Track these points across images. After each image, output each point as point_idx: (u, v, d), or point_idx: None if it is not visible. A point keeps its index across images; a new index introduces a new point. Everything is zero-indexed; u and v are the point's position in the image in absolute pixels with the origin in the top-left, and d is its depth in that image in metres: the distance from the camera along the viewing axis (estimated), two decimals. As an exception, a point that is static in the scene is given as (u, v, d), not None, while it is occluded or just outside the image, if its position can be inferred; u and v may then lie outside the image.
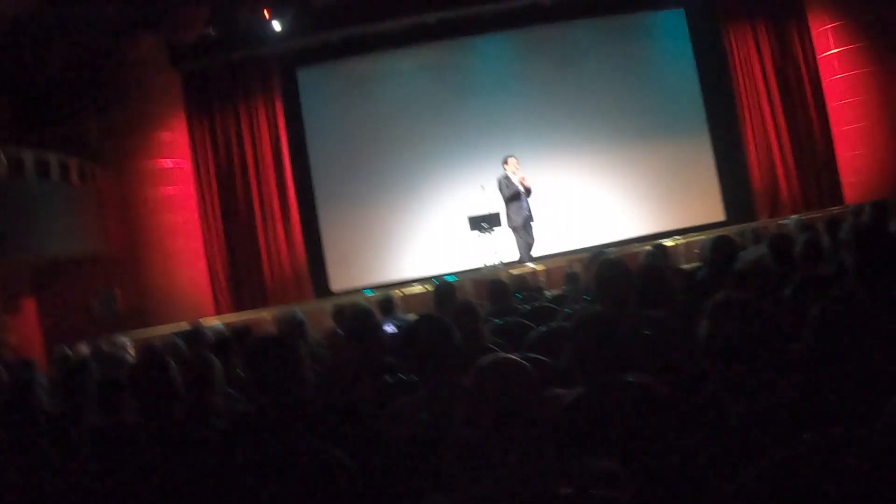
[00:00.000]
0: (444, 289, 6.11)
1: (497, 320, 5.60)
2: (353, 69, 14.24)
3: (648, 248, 8.46)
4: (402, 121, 14.00)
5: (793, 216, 10.75)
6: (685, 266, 8.56)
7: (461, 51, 14.31)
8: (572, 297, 6.66)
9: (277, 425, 3.07)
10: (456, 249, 12.92)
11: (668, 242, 10.31)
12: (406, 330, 3.73)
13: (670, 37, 14.38)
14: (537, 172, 12.05)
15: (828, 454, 1.97)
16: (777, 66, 13.90)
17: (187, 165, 13.25)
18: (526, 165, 11.93)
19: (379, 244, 13.87)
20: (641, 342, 3.55)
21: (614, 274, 4.24)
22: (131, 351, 7.54)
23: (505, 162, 11.84)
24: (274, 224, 13.64)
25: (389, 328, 5.96)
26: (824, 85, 13.41)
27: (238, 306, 13.37)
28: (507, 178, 11.76)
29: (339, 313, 6.82)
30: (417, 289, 11.15)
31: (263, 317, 11.01)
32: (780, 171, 13.84)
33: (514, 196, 11.70)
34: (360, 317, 4.54)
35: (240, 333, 6.00)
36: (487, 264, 11.81)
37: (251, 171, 13.68)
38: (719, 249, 5.23)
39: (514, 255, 12.07)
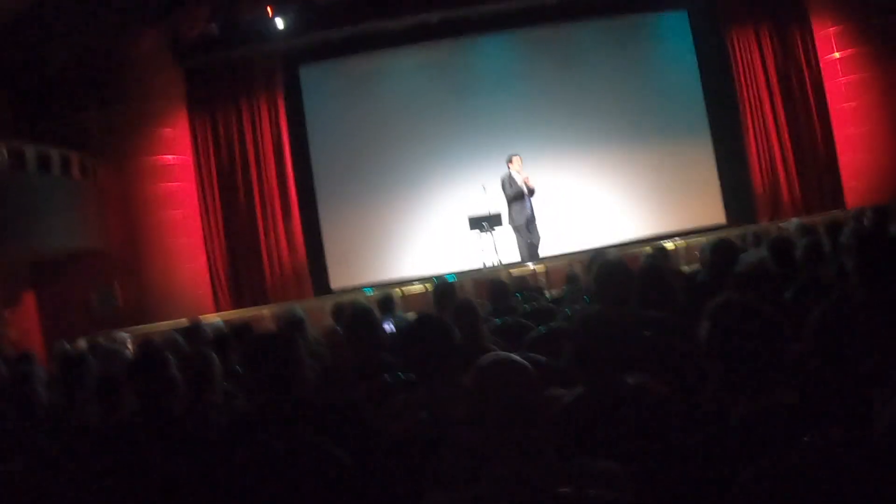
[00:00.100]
0: (443, 288, 6.11)
1: (497, 320, 5.60)
2: (356, 67, 14.23)
3: (649, 249, 8.47)
4: (403, 119, 13.99)
5: (793, 219, 10.74)
6: (685, 268, 8.57)
7: (463, 50, 14.31)
8: (572, 298, 6.66)
9: (276, 423, 3.07)
10: (456, 249, 12.91)
11: (668, 244, 10.32)
12: (405, 329, 3.73)
13: (673, 38, 14.37)
14: (538, 172, 12.04)
15: (827, 456, 1.97)
16: (779, 69, 13.88)
17: (188, 162, 13.25)
18: (527, 165, 11.92)
19: (379, 242, 13.87)
20: (641, 343, 3.54)
21: (614, 275, 4.24)
22: (130, 347, 7.55)
23: (509, 161, 11.82)
24: (274, 221, 13.64)
25: (389, 327, 5.96)
26: (826, 88, 13.42)
27: (238, 303, 13.36)
28: (510, 177, 11.75)
29: (339, 311, 6.82)
30: (417, 288, 11.14)
31: (263, 314, 11.00)
32: (781, 173, 13.83)
33: (517, 196, 11.69)
34: (360, 315, 4.54)
35: (239, 330, 5.99)
36: (487, 264, 11.80)
37: (252, 169, 13.67)
38: (720, 251, 5.22)
39: (515, 256, 12.06)
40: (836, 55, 13.02)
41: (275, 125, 13.76)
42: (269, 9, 12.59)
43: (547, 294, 8.33)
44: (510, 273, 10.13)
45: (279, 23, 12.65)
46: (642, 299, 4.22)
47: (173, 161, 12.87)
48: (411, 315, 6.96)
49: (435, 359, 3.25)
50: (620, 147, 13.82)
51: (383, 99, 14.08)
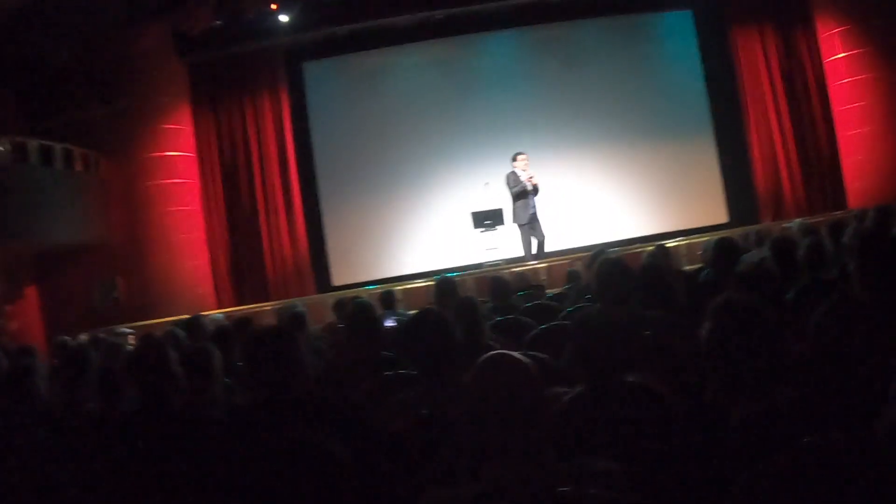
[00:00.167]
0: (445, 285, 6.10)
1: (498, 317, 5.60)
2: (360, 64, 14.23)
3: (650, 248, 8.46)
4: (407, 116, 13.99)
5: (796, 220, 10.73)
6: (687, 267, 8.56)
7: (467, 47, 14.30)
8: (573, 296, 6.65)
9: (275, 417, 3.07)
10: (458, 246, 12.91)
11: (670, 243, 10.31)
12: (406, 325, 3.72)
13: (677, 38, 14.36)
14: (541, 170, 12.01)
15: (828, 457, 1.97)
16: (783, 70, 13.87)
17: (191, 157, 13.25)
18: (530, 163, 11.89)
19: (382, 239, 13.86)
20: (642, 342, 3.54)
21: (615, 273, 4.24)
22: (132, 341, 7.55)
23: (514, 158, 11.79)
24: (277, 217, 13.64)
25: (390, 323, 5.96)
26: (830, 89, 13.39)
27: (239, 299, 13.36)
28: (514, 174, 11.73)
29: (340, 307, 6.83)
30: (419, 284, 11.14)
31: (265, 310, 11.00)
32: (783, 174, 13.81)
33: (521, 193, 11.66)
34: (361, 311, 4.54)
35: (240, 325, 5.99)
36: (489, 261, 11.80)
37: (255, 164, 13.67)
38: (722, 251, 5.22)
39: (517, 253, 12.05)
40: (840, 56, 13.00)
41: (278, 121, 13.77)
42: (273, 4, 12.58)
43: (548, 292, 8.32)
44: (511, 270, 10.13)
45: (283, 18, 12.65)
46: (643, 298, 4.22)
47: (176, 156, 12.87)
48: (413, 312, 6.96)
49: (435, 356, 3.25)
50: (623, 146, 13.81)
51: (387, 96, 14.07)
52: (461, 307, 4.26)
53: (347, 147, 13.96)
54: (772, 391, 2.38)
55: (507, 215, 11.91)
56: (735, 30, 13.99)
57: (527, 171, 11.72)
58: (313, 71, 14.29)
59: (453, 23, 13.60)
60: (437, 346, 3.26)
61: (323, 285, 13.67)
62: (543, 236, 11.88)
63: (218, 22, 12.65)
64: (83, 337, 8.15)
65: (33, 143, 10.85)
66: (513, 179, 11.72)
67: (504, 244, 11.98)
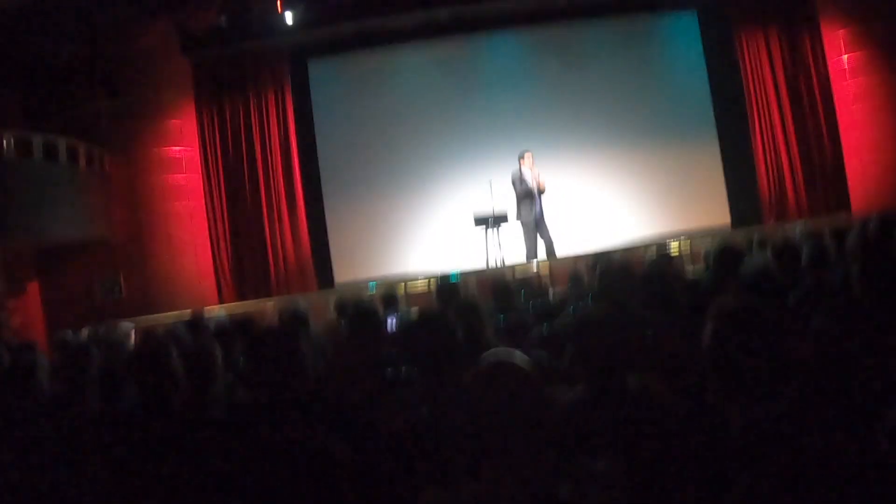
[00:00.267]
0: (447, 285, 6.10)
1: (499, 318, 5.59)
2: (364, 62, 14.23)
3: (653, 250, 8.46)
4: (411, 115, 13.99)
5: (799, 222, 10.71)
6: (689, 269, 8.55)
7: (472, 47, 14.29)
8: (575, 298, 6.64)
9: (276, 416, 3.07)
10: (461, 246, 12.90)
11: (673, 245, 10.30)
12: (408, 324, 3.72)
13: (682, 39, 14.33)
14: (543, 171, 11.99)
15: (828, 462, 1.97)
16: (788, 72, 13.84)
17: (195, 154, 13.26)
18: (536, 163, 11.87)
19: (384, 238, 13.86)
20: (643, 344, 3.54)
21: (618, 275, 4.24)
22: (134, 338, 7.55)
23: (521, 158, 11.77)
24: (280, 215, 13.65)
25: (391, 322, 5.96)
26: (834, 91, 13.37)
27: (242, 296, 13.37)
28: (520, 174, 11.71)
29: (342, 306, 6.82)
30: (421, 284, 11.13)
31: (267, 307, 11.01)
32: (787, 176, 13.79)
33: (527, 193, 11.63)
34: (363, 310, 4.54)
35: (242, 323, 5.99)
36: (491, 262, 11.79)
37: (259, 162, 13.68)
38: (724, 254, 5.20)
39: (520, 254, 12.03)
40: (845, 58, 12.98)
41: (282, 119, 13.77)
42: (278, 2, 12.59)
43: (550, 293, 8.32)
44: (514, 271, 10.12)
45: (288, 17, 12.65)
46: (645, 300, 4.22)
47: (180, 153, 12.89)
48: (415, 311, 6.95)
49: (437, 356, 3.25)
50: (627, 147, 13.79)
51: (391, 95, 14.07)
52: (462, 307, 4.26)
53: (351, 145, 13.96)
54: (773, 394, 2.38)
55: (511, 216, 11.89)
56: (740, 31, 13.97)
57: (533, 170, 11.70)
58: (317, 69, 14.29)
59: (458, 22, 13.60)
60: (438, 346, 3.26)
61: (325, 283, 13.66)
62: (551, 240, 11.84)
63: (222, 19, 12.66)
64: (85, 332, 8.15)
65: (37, 139, 10.86)
66: (518, 179, 11.69)
67: (506, 244, 11.97)
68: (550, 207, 12.11)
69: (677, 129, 13.90)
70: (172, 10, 12.54)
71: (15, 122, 11.48)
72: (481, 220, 11.81)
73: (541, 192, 11.69)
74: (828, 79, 13.47)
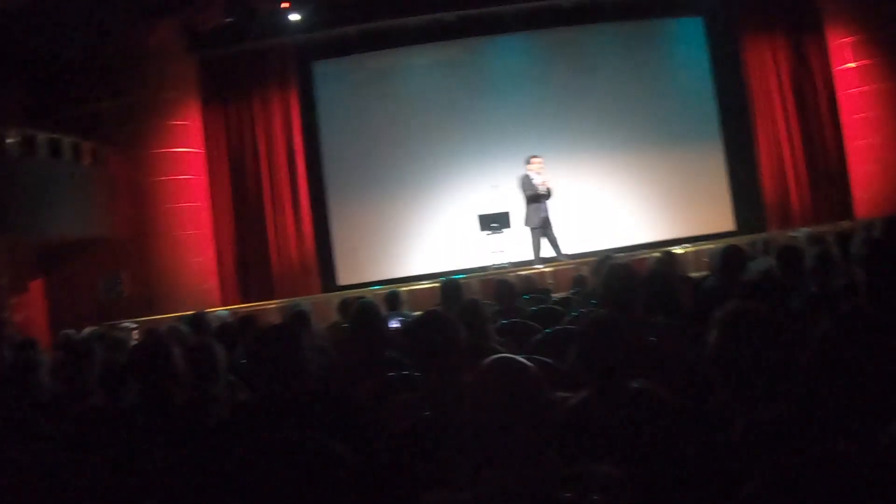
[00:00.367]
0: (450, 286, 6.10)
1: (502, 321, 5.59)
2: (370, 64, 14.24)
3: (657, 254, 8.45)
4: (416, 117, 14.00)
5: (803, 229, 10.70)
6: (693, 274, 8.54)
7: (478, 50, 14.30)
8: (579, 301, 6.64)
9: (277, 416, 3.06)
10: (465, 248, 12.90)
11: (677, 250, 10.28)
12: (411, 326, 3.71)
13: (687, 44, 14.34)
14: (548, 174, 12.00)
15: (832, 469, 1.95)
16: (793, 78, 13.86)
17: (200, 154, 13.26)
18: (544, 166, 11.87)
19: (388, 240, 13.86)
20: (647, 348, 3.53)
21: (621, 278, 4.22)
22: (136, 336, 7.56)
23: (528, 161, 11.77)
24: (284, 216, 13.66)
25: (394, 323, 5.95)
26: (839, 99, 13.37)
27: (245, 297, 13.38)
28: (528, 177, 11.70)
29: (345, 306, 6.82)
30: (424, 286, 11.13)
31: (269, 308, 11.00)
32: (791, 182, 13.79)
33: (534, 197, 11.64)
34: (365, 311, 4.53)
35: (244, 322, 5.99)
36: (495, 264, 11.78)
37: (263, 162, 13.69)
38: (729, 259, 5.20)
39: (524, 256, 12.03)
40: (850, 66, 12.97)
41: (287, 120, 13.78)
42: (284, 3, 12.60)
43: (553, 296, 8.31)
44: (517, 274, 10.11)
45: (294, 17, 12.67)
46: (649, 304, 4.21)
47: (184, 152, 12.88)
48: (417, 313, 6.95)
49: (439, 357, 3.24)
50: (632, 151, 13.79)
51: (396, 96, 14.08)
52: (466, 309, 4.25)
53: (356, 147, 13.97)
54: (777, 400, 2.37)
55: (514, 218, 11.89)
56: (746, 37, 13.98)
57: (541, 174, 11.69)
58: (323, 70, 14.30)
59: (464, 25, 13.62)
60: (440, 347, 3.24)
61: (328, 285, 13.66)
62: (558, 243, 11.84)
63: (229, 19, 12.68)
64: (87, 330, 8.15)
65: (42, 136, 10.87)
66: (526, 182, 11.69)
67: (510, 247, 11.96)
68: (554, 210, 12.11)
69: (682, 134, 13.90)
70: (179, 9, 12.55)
71: (19, 119, 11.48)
72: (485, 223, 11.81)
73: (548, 195, 11.68)
74: (832, 86, 13.48)
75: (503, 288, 6.62)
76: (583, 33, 14.17)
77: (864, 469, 1.94)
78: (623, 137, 13.82)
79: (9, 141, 10.42)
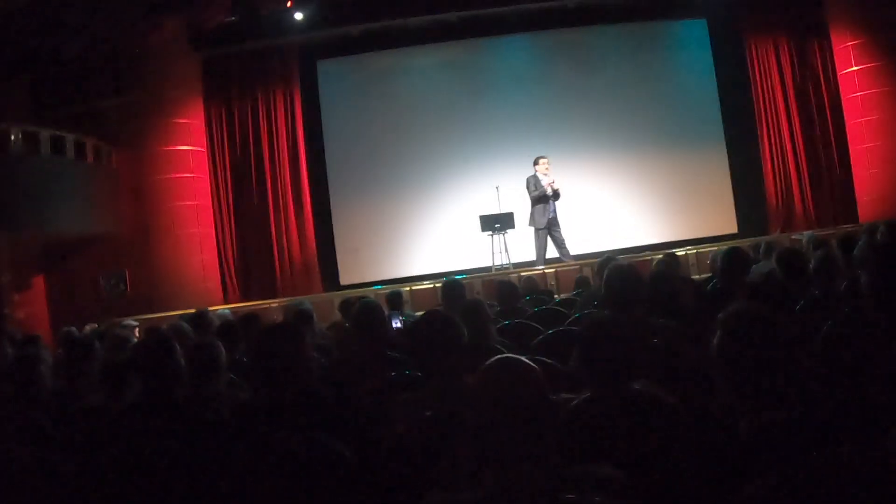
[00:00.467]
0: (452, 287, 6.09)
1: (505, 321, 5.58)
2: (373, 63, 14.24)
3: (660, 256, 8.44)
4: (419, 117, 14.00)
5: (806, 232, 10.70)
6: (696, 277, 8.54)
7: (481, 50, 14.30)
8: (581, 302, 6.63)
9: (279, 415, 3.06)
10: (467, 248, 12.90)
11: (679, 252, 10.28)
12: (413, 325, 3.71)
13: (691, 47, 14.34)
14: (552, 175, 12.00)
15: (835, 473, 1.95)
16: (797, 81, 13.85)
17: (203, 152, 13.27)
18: (551, 167, 11.86)
19: (391, 239, 13.86)
20: (650, 350, 3.52)
21: (624, 280, 4.21)
22: (138, 334, 7.55)
23: (536, 162, 11.77)
24: (286, 215, 13.66)
25: (396, 323, 5.95)
26: (843, 102, 13.36)
27: (247, 295, 13.38)
28: (535, 178, 11.70)
29: (347, 305, 6.81)
30: (427, 286, 11.13)
31: (271, 307, 11.00)
32: (795, 185, 13.79)
33: (541, 198, 11.63)
34: (367, 310, 4.53)
35: (246, 320, 5.98)
36: (497, 265, 11.78)
37: (266, 161, 13.69)
38: (732, 261, 5.19)
39: (527, 257, 12.02)
40: (854, 69, 12.96)
41: (290, 119, 13.78)
42: (288, 2, 12.60)
43: (556, 297, 8.31)
44: (520, 275, 10.12)
45: (298, 16, 12.67)
46: (651, 305, 4.20)
47: (187, 151, 12.88)
48: (420, 313, 6.95)
49: (441, 357, 3.23)
50: (634, 153, 13.78)
51: (399, 96, 14.08)
52: (468, 310, 4.25)
53: (358, 146, 13.97)
54: (781, 403, 2.36)
55: (517, 219, 11.88)
56: (749, 40, 13.98)
57: (548, 175, 11.69)
58: (326, 69, 14.30)
59: (467, 25, 13.61)
60: (442, 348, 3.24)
61: (330, 284, 13.66)
62: (564, 245, 11.83)
63: (233, 17, 12.69)
64: (89, 328, 8.15)
65: (45, 133, 10.87)
66: (533, 183, 11.69)
67: (513, 248, 11.95)
68: (558, 211, 12.10)
69: (685, 137, 13.90)
70: (183, 7, 12.55)
71: (23, 116, 11.48)
72: (488, 224, 11.81)
73: (556, 196, 11.67)
74: (836, 89, 13.48)
75: (505, 289, 6.62)
76: (586, 34, 14.16)
77: (868, 472, 1.93)
78: (626, 139, 13.81)
79: (12, 138, 10.42)
